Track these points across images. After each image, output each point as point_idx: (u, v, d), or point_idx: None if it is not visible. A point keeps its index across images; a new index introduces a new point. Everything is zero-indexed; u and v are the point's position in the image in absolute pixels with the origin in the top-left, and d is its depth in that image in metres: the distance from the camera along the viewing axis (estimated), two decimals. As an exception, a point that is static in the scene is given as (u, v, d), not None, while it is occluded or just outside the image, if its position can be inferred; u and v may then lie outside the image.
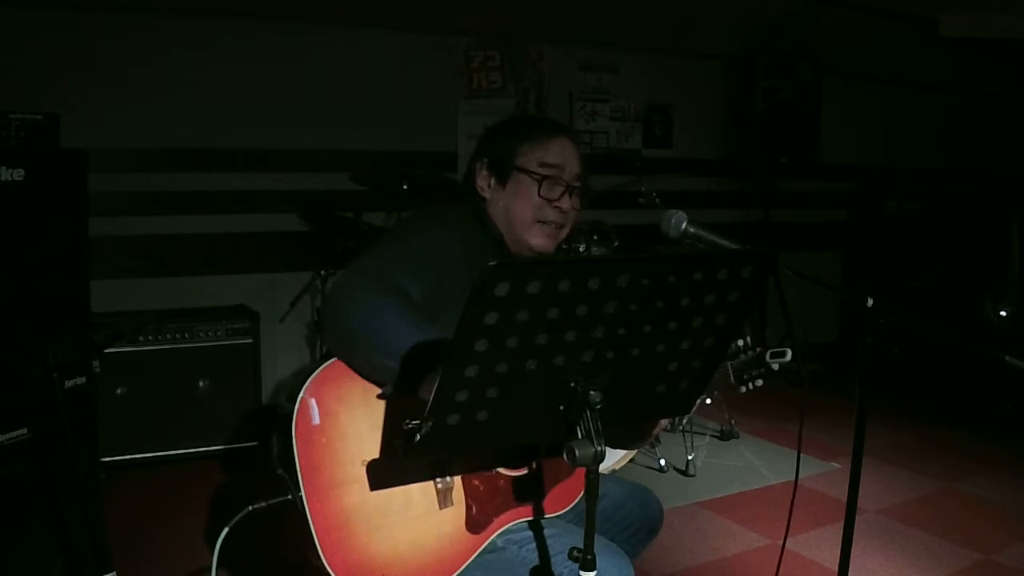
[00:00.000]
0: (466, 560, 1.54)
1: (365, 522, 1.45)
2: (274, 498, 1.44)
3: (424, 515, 1.51)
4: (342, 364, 1.49)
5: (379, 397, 1.47)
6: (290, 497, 1.42)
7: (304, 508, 1.40)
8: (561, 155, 1.74)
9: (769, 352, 1.79)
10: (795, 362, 1.81)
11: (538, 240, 1.74)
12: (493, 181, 1.76)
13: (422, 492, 1.52)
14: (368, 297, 1.46)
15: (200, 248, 4.11)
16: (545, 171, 1.72)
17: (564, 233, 1.79)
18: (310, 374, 1.46)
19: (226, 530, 1.43)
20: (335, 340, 1.49)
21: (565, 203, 1.74)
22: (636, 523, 1.81)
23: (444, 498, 1.54)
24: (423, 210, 1.78)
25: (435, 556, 1.51)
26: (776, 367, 1.80)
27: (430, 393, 1.12)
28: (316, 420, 1.44)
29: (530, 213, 1.73)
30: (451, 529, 1.54)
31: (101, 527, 2.26)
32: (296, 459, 1.41)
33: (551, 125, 1.81)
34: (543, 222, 1.74)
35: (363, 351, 1.44)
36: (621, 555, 1.57)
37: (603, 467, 1.33)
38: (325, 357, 1.52)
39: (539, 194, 1.71)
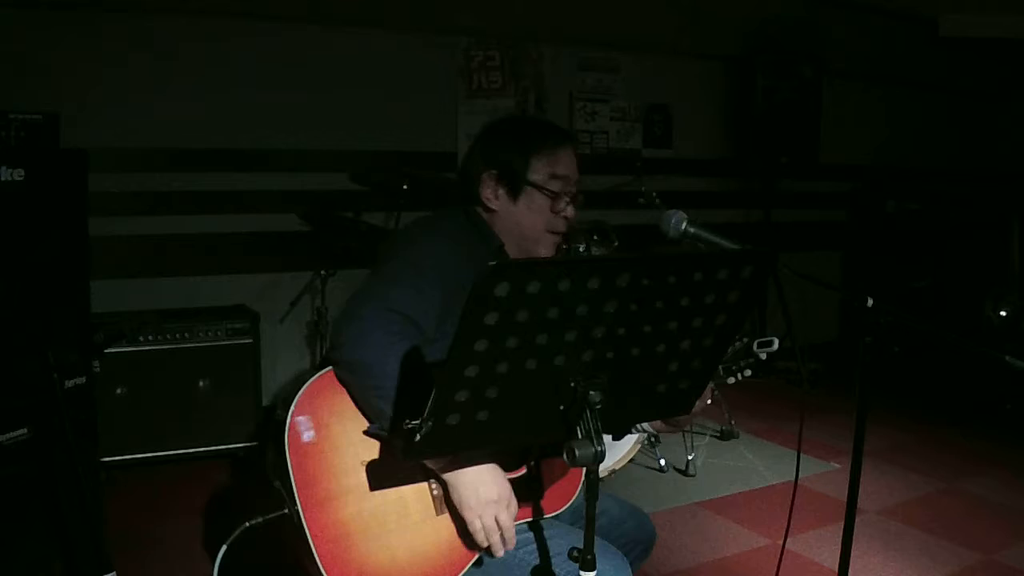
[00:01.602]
0: (464, 565, 1.54)
1: (362, 532, 1.45)
2: (271, 509, 1.44)
3: (421, 522, 1.51)
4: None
5: (365, 433, 1.48)
6: (286, 511, 1.42)
7: (301, 521, 1.40)
8: (568, 166, 1.75)
9: (756, 342, 1.79)
10: (795, 362, 1.81)
11: (546, 251, 1.77)
12: (502, 193, 1.75)
13: (418, 499, 1.52)
14: (380, 337, 1.46)
15: (200, 248, 4.11)
16: (557, 186, 1.73)
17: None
18: (304, 383, 1.47)
19: (224, 547, 1.43)
20: (342, 368, 1.49)
21: (571, 211, 1.76)
22: (632, 542, 1.81)
23: (440, 504, 1.53)
24: (426, 221, 1.77)
25: (433, 562, 1.51)
26: (764, 356, 1.79)
27: None
28: (309, 433, 1.44)
29: (542, 226, 1.75)
30: (449, 535, 1.53)
31: (101, 527, 2.26)
32: (291, 473, 1.41)
33: (558, 133, 1.80)
34: (552, 232, 1.76)
35: (365, 389, 1.45)
36: (619, 556, 1.58)
37: (603, 467, 1.33)
38: (323, 363, 1.53)
39: (552, 210, 1.73)
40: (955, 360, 4.93)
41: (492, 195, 1.75)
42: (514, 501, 1.49)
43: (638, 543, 1.83)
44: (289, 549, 1.47)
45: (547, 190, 1.72)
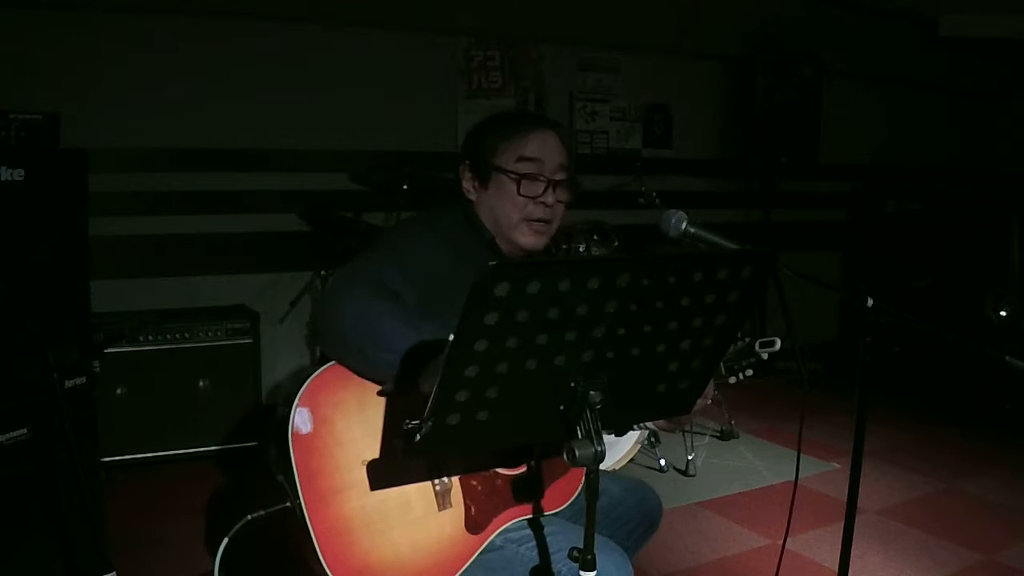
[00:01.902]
0: (467, 561, 1.54)
1: (365, 527, 1.45)
2: (273, 503, 1.44)
3: (424, 518, 1.51)
4: (338, 369, 1.49)
5: (380, 394, 1.47)
6: (289, 504, 1.42)
7: (304, 515, 1.40)
8: (540, 149, 1.70)
9: (758, 342, 1.79)
10: (795, 362, 1.80)
11: (527, 239, 1.72)
12: (476, 183, 1.75)
13: (421, 495, 1.52)
14: (361, 295, 1.46)
15: (200, 248, 4.11)
16: (523, 168, 1.69)
17: (554, 228, 1.76)
18: (306, 379, 1.47)
19: (226, 540, 1.43)
20: (330, 341, 1.49)
21: (549, 198, 1.71)
22: (635, 519, 1.81)
23: (443, 500, 1.54)
24: (415, 215, 1.78)
25: (436, 558, 1.51)
26: (766, 356, 1.79)
27: (432, 385, 1.12)
28: (312, 427, 1.44)
29: (516, 213, 1.70)
30: (451, 531, 1.54)
31: (101, 527, 2.26)
32: (294, 466, 1.41)
33: (529, 119, 1.78)
34: (530, 220, 1.71)
35: (358, 346, 1.43)
36: (620, 553, 1.57)
37: (603, 467, 1.33)
38: (322, 361, 1.53)
39: (519, 193, 1.69)
40: (955, 360, 4.93)
41: (470, 186, 1.76)
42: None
43: (642, 519, 1.82)
44: (291, 543, 1.47)
45: (512, 172, 1.68)
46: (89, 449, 2.29)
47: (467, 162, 1.76)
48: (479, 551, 1.56)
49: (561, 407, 1.22)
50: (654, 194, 3.88)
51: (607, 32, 4.98)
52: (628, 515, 1.79)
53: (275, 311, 4.20)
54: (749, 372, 1.80)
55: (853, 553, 1.66)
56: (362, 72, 4.37)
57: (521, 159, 1.69)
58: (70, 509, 2.16)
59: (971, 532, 3.08)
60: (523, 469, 1.64)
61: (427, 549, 1.50)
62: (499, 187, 1.71)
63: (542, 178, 1.70)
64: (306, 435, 1.43)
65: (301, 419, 1.44)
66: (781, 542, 1.90)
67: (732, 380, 1.79)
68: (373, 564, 1.44)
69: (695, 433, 3.96)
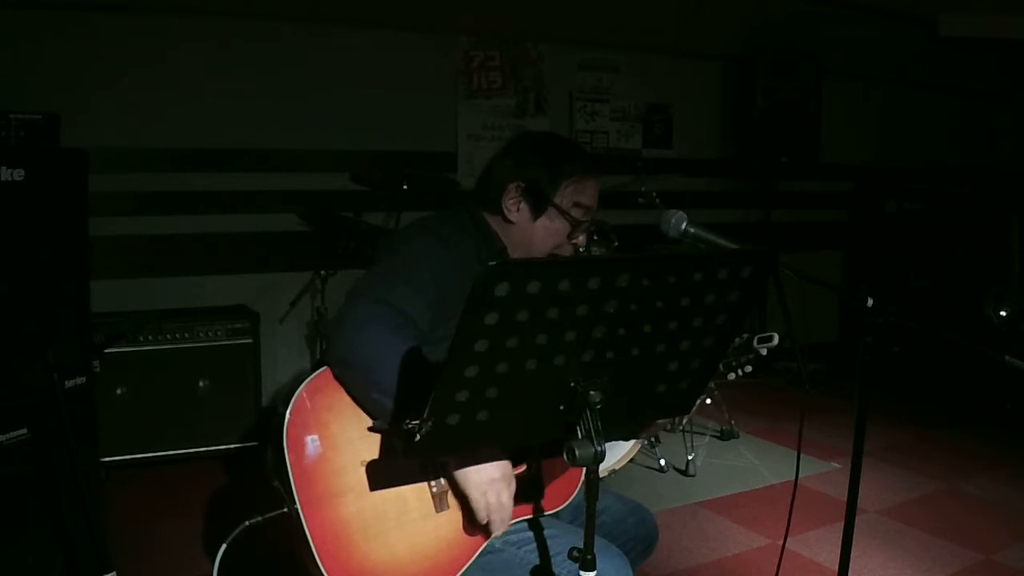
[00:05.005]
0: (465, 563, 1.54)
1: (362, 530, 1.45)
2: (271, 508, 1.44)
3: (421, 520, 1.51)
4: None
5: (370, 429, 1.48)
6: (286, 509, 1.42)
7: (300, 519, 1.40)
8: (594, 197, 1.77)
9: (756, 338, 1.79)
10: (795, 362, 1.81)
11: None
12: (524, 207, 1.75)
13: (418, 497, 1.52)
14: (376, 332, 1.47)
15: (200, 248, 4.11)
16: (580, 215, 1.75)
17: None
18: (302, 382, 1.47)
19: (224, 546, 1.43)
20: (338, 365, 1.50)
21: (581, 240, 1.79)
22: (634, 539, 1.82)
23: (440, 501, 1.54)
24: (424, 221, 1.77)
25: (434, 560, 1.51)
26: (764, 352, 1.80)
27: None
28: (308, 430, 1.44)
29: (550, 247, 1.77)
30: (448, 532, 1.54)
31: (101, 527, 2.25)
32: (289, 471, 1.41)
33: (591, 163, 1.81)
34: (557, 255, 1.78)
35: (362, 384, 1.46)
36: (619, 555, 1.58)
37: (603, 467, 1.33)
38: (320, 363, 1.53)
39: (569, 238, 1.76)
40: (955, 360, 4.93)
41: (514, 206, 1.76)
42: (513, 481, 1.51)
43: (640, 540, 1.84)
44: (289, 547, 1.47)
45: (570, 216, 1.74)
46: (89, 449, 2.29)
47: (522, 185, 1.75)
48: (477, 553, 1.56)
49: (561, 407, 1.22)
50: (654, 194, 3.88)
51: (607, 32, 4.98)
52: (628, 535, 1.80)
53: (275, 311, 4.20)
54: (748, 368, 1.81)
55: (853, 553, 1.66)
56: (362, 72, 4.37)
57: (577, 205, 1.75)
58: (70, 509, 2.16)
59: (971, 532, 3.08)
60: (522, 469, 1.64)
61: (425, 551, 1.50)
62: (550, 223, 1.75)
63: (586, 224, 1.78)
64: (303, 438, 1.44)
65: (300, 421, 1.44)
66: (781, 542, 1.91)
67: (731, 377, 1.80)
68: (371, 567, 1.44)
69: (695, 433, 3.96)
